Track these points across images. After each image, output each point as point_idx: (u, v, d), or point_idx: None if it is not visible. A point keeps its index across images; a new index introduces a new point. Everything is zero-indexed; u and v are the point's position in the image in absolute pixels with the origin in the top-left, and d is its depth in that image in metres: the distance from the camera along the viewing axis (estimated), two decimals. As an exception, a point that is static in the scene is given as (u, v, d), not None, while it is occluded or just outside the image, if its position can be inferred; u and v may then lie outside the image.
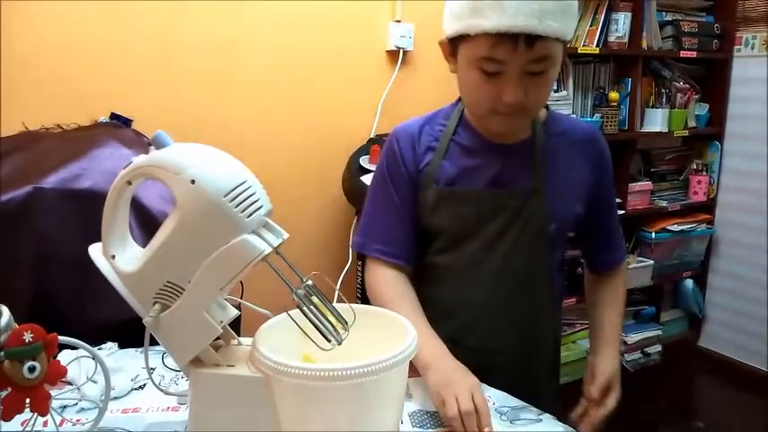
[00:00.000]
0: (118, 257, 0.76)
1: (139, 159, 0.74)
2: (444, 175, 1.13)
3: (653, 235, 2.77)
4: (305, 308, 0.74)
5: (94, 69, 1.91)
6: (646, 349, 2.89)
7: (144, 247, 1.43)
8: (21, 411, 0.78)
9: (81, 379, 1.02)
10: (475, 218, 1.12)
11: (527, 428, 0.93)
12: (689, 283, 3.01)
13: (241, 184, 0.72)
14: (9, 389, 0.77)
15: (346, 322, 0.78)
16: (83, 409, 0.97)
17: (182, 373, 1.08)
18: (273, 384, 0.74)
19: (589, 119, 2.47)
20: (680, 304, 3.09)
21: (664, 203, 2.84)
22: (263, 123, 2.18)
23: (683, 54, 2.71)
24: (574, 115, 2.44)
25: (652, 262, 2.77)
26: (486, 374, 1.00)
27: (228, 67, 2.11)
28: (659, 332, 2.95)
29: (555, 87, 2.41)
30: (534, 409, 0.99)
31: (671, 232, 2.81)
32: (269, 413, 0.76)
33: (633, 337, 2.84)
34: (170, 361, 1.15)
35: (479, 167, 1.12)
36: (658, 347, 2.93)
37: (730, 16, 2.82)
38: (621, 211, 2.60)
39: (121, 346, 1.22)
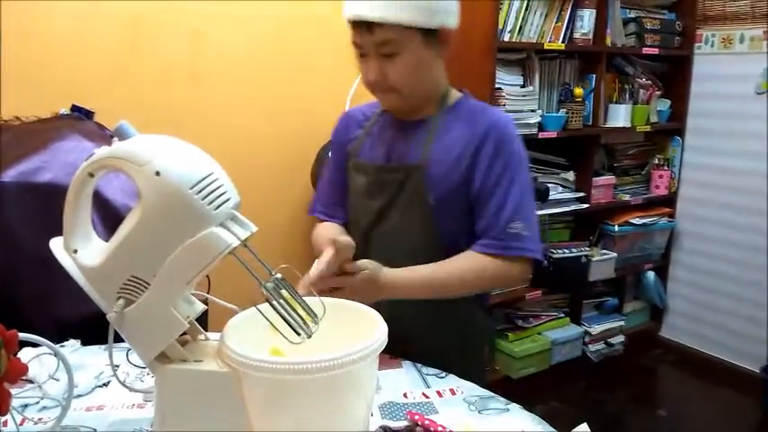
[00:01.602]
0: (80, 252, 0.74)
1: (102, 151, 0.73)
2: (361, 150, 1.30)
3: (616, 228, 2.82)
4: (274, 301, 0.73)
5: (55, 60, 1.87)
6: (609, 340, 2.95)
7: (105, 237, 1.41)
8: (-21, 410, 0.76)
9: (43, 377, 0.99)
10: (366, 190, 1.27)
11: (495, 418, 0.94)
12: (650, 275, 3.08)
13: (208, 176, 0.71)
14: (-33, 387, 0.75)
15: (316, 315, 0.77)
16: (45, 408, 0.96)
17: (147, 369, 1.07)
18: (242, 379, 0.73)
19: (555, 114, 2.50)
20: (642, 296, 3.16)
21: (627, 197, 2.90)
22: (231, 116, 2.16)
23: (645, 51, 2.76)
24: (540, 111, 2.47)
25: (615, 254, 2.82)
26: (395, 347, 0.93)
27: (196, 59, 2.08)
28: (622, 323, 3.01)
29: (521, 83, 2.44)
30: (502, 398, 1.00)
31: (633, 225, 2.87)
32: (237, 409, 0.75)
33: (596, 328, 2.89)
34: (135, 357, 1.13)
35: (382, 142, 1.28)
36: (621, 338, 2.99)
37: (691, 14, 2.88)
38: (585, 205, 2.65)
39: (84, 344, 1.20)
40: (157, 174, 0.69)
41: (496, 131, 1.19)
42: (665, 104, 2.97)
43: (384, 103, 1.26)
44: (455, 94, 1.27)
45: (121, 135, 0.72)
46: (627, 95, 2.82)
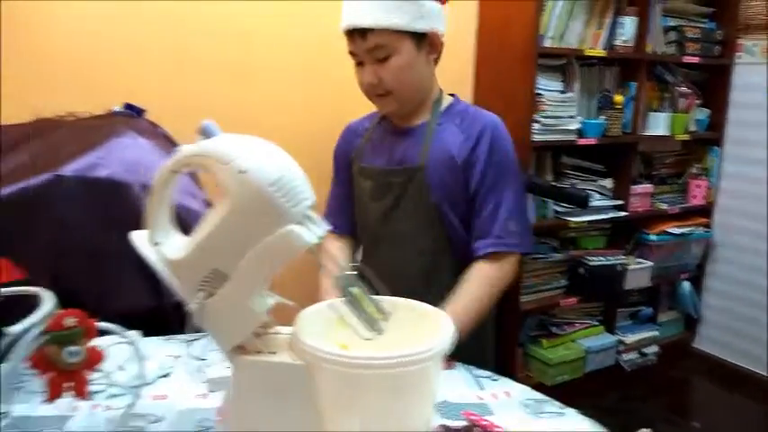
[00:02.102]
0: (162, 245, 0.77)
1: (186, 149, 0.75)
2: (364, 156, 1.40)
3: (653, 237, 2.80)
4: (348, 297, 0.75)
5: (107, 59, 1.92)
6: (643, 349, 2.93)
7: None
8: (59, 395, 0.79)
9: (110, 366, 1.02)
10: (371, 193, 1.35)
11: (551, 421, 0.95)
12: (686, 285, 3.05)
13: (288, 174, 0.73)
14: (52, 372, 0.78)
15: (386, 313, 0.79)
16: (112, 396, 0.98)
17: (207, 361, 1.10)
18: (314, 372, 0.75)
19: (595, 120, 2.49)
20: (676, 306, 3.13)
21: (664, 206, 2.88)
22: (277, 114, 2.18)
23: (685, 59, 2.75)
24: (579, 117, 2.46)
25: (651, 263, 2.80)
26: None
27: (242, 58, 2.11)
28: (656, 333, 2.98)
29: (561, 89, 2.44)
30: (556, 402, 1.01)
31: (671, 235, 2.84)
32: (309, 401, 0.77)
33: (631, 337, 2.87)
34: (196, 350, 1.17)
35: (383, 148, 1.37)
36: (655, 348, 2.97)
37: (732, 23, 2.86)
38: (623, 213, 2.64)
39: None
40: (241, 172, 0.71)
41: (490, 132, 1.30)
42: (704, 114, 2.95)
43: (381, 107, 1.36)
44: (447, 99, 1.38)
45: (206, 134, 0.74)
46: (666, 104, 2.80)
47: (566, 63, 2.46)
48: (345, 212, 1.48)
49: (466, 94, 2.48)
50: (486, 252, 1.26)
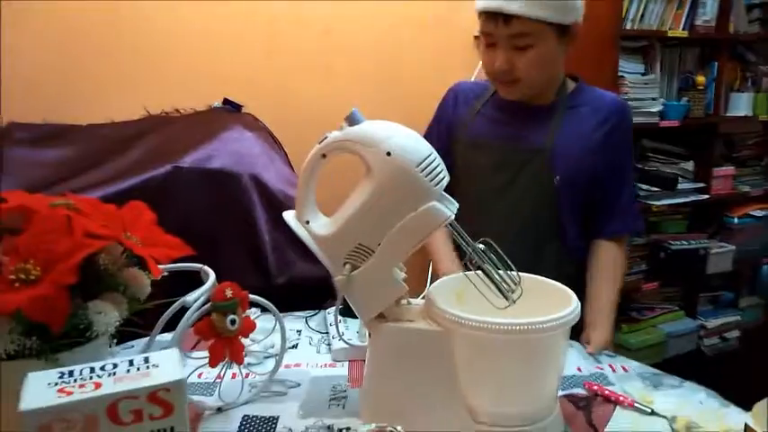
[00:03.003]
0: (312, 223, 0.85)
1: (334, 135, 0.82)
2: (473, 128, 1.38)
3: (736, 220, 2.75)
4: (485, 265, 0.81)
5: (203, 56, 2.03)
6: (724, 334, 2.88)
7: (264, 219, 1.54)
8: (222, 360, 0.88)
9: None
10: (488, 167, 1.34)
11: (672, 391, 0.98)
12: (767, 269, 2.98)
13: (429, 155, 0.79)
14: (214, 339, 0.87)
15: (516, 283, 0.85)
16: (249, 364, 1.07)
17: (331, 334, 1.17)
18: (452, 337, 0.82)
19: (677, 102, 2.47)
20: (758, 290, 3.06)
21: (746, 188, 2.81)
22: (365, 110, 2.26)
23: (770, 37, 2.67)
24: (661, 99, 2.44)
25: (733, 247, 2.75)
26: None
27: (324, 55, 2.19)
28: (738, 318, 2.92)
29: (642, 71, 2.42)
30: (675, 376, 1.04)
31: (753, 217, 2.78)
32: (443, 364, 0.83)
33: (712, 322, 2.83)
34: (314, 323, 1.25)
35: (500, 123, 1.36)
36: (736, 333, 2.91)
37: (819, -3, 2.76)
38: (705, 196, 2.60)
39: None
40: (388, 154, 0.78)
41: (620, 116, 1.32)
42: (788, 92, 2.86)
43: (505, 93, 1.31)
44: (570, 83, 1.36)
45: (353, 121, 0.81)
46: (749, 83, 2.73)
47: (647, 45, 2.44)
48: None
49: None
50: (617, 233, 1.34)
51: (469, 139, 1.38)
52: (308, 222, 0.85)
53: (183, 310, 0.88)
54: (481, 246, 0.84)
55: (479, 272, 0.86)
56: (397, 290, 0.83)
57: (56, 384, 0.56)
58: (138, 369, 0.59)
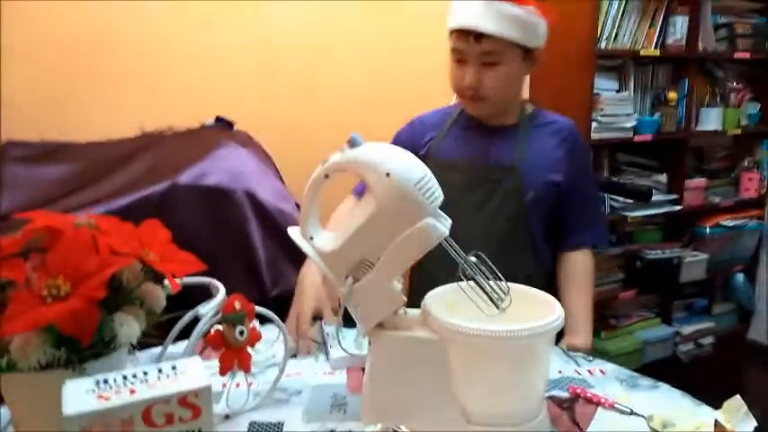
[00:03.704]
0: (315, 238, 0.91)
1: (336, 157, 0.88)
2: (442, 148, 1.45)
3: (707, 230, 2.87)
4: (477, 276, 0.88)
5: (196, 74, 2.08)
6: (699, 340, 2.98)
7: (258, 233, 1.59)
8: (232, 368, 0.94)
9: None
10: (460, 186, 1.39)
11: (648, 392, 1.05)
12: (740, 276, 3.09)
13: (425, 175, 0.86)
14: (223, 349, 0.93)
15: (505, 293, 0.92)
16: (251, 373, 1.12)
17: (328, 344, 1.23)
18: (447, 344, 0.88)
19: (650, 118, 2.58)
20: (731, 297, 3.17)
21: (717, 199, 2.93)
22: (352, 129, 2.32)
23: (737, 56, 2.80)
24: (635, 115, 2.55)
25: (706, 256, 2.86)
26: None
27: (318, 74, 2.24)
28: (712, 324, 3.03)
29: (617, 88, 2.53)
30: (649, 377, 1.11)
31: (725, 227, 2.90)
32: (439, 370, 0.89)
33: (687, 329, 2.93)
34: (313, 333, 1.30)
35: (468, 142, 1.44)
36: (711, 339, 3.02)
37: (783, 18, 2.90)
38: (678, 207, 2.71)
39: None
40: (388, 175, 0.84)
41: (576, 135, 1.45)
42: (755, 108, 2.99)
43: (471, 108, 1.41)
44: (528, 104, 1.48)
45: (353, 144, 0.88)
46: (718, 99, 2.86)
47: (621, 63, 2.55)
48: None
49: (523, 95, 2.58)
50: (584, 244, 1.42)
51: (439, 157, 1.43)
52: (311, 238, 0.91)
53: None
54: (473, 258, 0.91)
55: (471, 282, 0.92)
56: (396, 300, 0.89)
57: (93, 391, 0.62)
58: (168, 376, 0.64)
